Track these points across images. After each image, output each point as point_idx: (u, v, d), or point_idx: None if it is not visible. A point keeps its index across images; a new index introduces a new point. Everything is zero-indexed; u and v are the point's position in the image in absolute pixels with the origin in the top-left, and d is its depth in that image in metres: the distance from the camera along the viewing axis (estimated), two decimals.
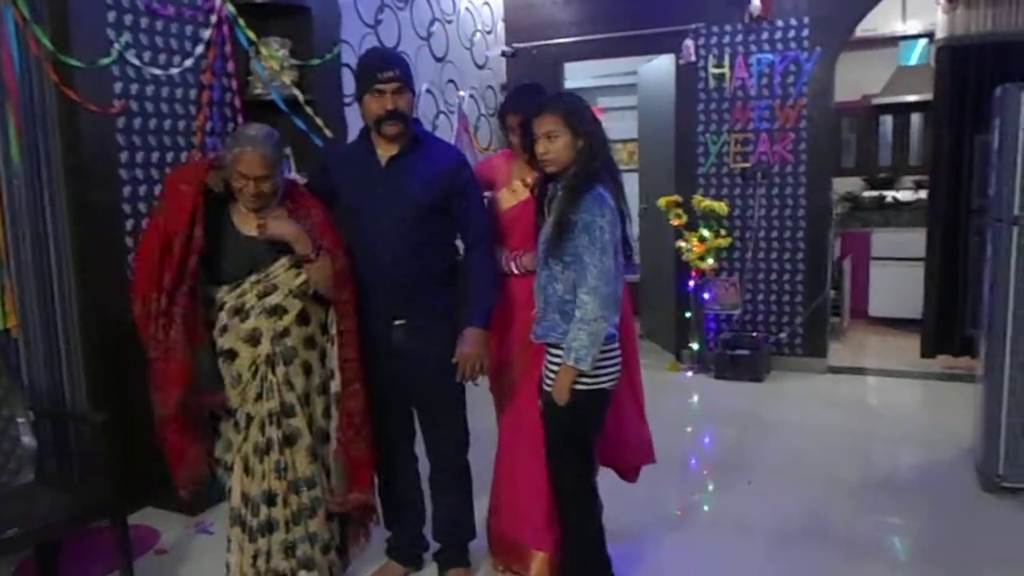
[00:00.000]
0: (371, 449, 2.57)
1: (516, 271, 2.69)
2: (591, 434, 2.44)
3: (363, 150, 2.59)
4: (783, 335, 5.57)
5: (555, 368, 2.32)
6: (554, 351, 2.35)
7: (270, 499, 2.45)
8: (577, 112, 2.31)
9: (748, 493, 3.56)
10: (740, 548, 3.05)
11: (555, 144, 2.30)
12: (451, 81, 5.42)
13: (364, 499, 2.60)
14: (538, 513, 2.60)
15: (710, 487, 3.78)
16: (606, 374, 2.35)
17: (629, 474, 2.93)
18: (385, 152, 2.54)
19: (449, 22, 5.40)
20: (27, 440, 2.71)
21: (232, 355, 2.44)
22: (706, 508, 3.55)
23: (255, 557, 2.46)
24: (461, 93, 5.51)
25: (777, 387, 5.26)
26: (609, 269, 2.24)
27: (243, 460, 2.46)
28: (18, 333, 3.00)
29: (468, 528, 2.82)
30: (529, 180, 2.59)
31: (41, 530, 2.47)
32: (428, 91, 5.12)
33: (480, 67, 5.85)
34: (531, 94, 2.66)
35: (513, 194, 2.72)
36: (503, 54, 5.98)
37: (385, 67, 2.47)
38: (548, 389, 2.36)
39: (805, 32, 5.23)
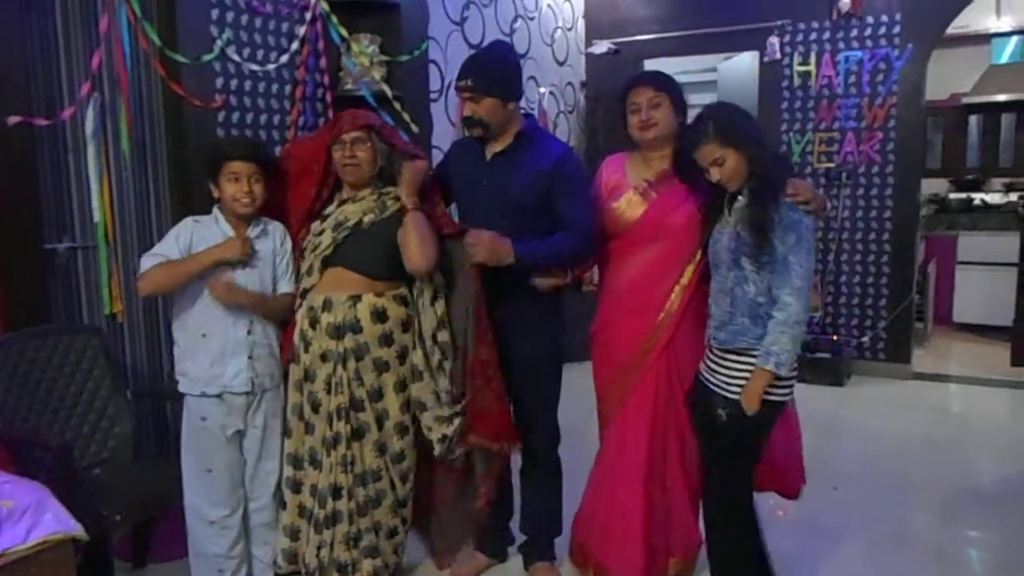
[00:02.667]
0: (499, 402, 2.53)
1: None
2: (763, 447, 2.32)
3: (475, 145, 2.62)
4: (865, 339, 5.44)
5: (742, 375, 2.21)
6: (738, 357, 2.23)
7: (336, 492, 2.48)
8: (737, 126, 2.21)
9: (834, 499, 3.49)
10: (827, 554, 3.00)
11: (725, 169, 2.19)
12: (532, 78, 5.44)
13: (479, 441, 2.54)
14: (633, 545, 2.50)
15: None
16: (789, 385, 2.24)
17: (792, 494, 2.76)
18: (492, 147, 2.57)
19: (531, 19, 5.43)
20: (126, 420, 2.81)
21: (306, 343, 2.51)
22: (791, 513, 3.49)
23: (319, 548, 2.50)
24: (541, 90, 5.53)
25: (858, 392, 5.15)
26: (811, 271, 2.17)
27: (309, 451, 2.52)
28: (123, 317, 3.13)
29: (555, 523, 2.82)
30: (652, 177, 2.50)
31: (140, 508, 2.59)
32: None
33: (560, 64, 5.86)
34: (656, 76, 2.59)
35: (642, 198, 2.51)
36: (608, 51, 5.96)
37: (461, 75, 2.52)
38: (732, 396, 2.22)
39: (897, 28, 5.10)
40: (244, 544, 2.58)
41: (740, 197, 2.24)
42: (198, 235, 2.41)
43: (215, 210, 2.46)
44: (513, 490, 2.86)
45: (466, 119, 2.53)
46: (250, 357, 2.43)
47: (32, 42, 2.79)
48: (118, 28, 2.93)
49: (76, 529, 1.85)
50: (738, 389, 2.22)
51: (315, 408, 2.49)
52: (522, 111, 2.62)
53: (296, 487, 2.55)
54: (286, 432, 2.56)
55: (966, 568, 2.99)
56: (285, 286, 2.53)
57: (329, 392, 2.46)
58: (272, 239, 2.50)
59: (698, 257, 2.44)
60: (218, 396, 2.43)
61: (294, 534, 2.57)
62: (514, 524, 2.91)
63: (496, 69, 2.53)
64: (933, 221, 6.91)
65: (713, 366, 2.30)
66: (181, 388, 2.47)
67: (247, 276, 2.44)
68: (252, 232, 2.45)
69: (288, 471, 2.55)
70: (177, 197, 3.25)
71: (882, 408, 4.82)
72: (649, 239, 2.48)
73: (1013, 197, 6.85)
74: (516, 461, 2.79)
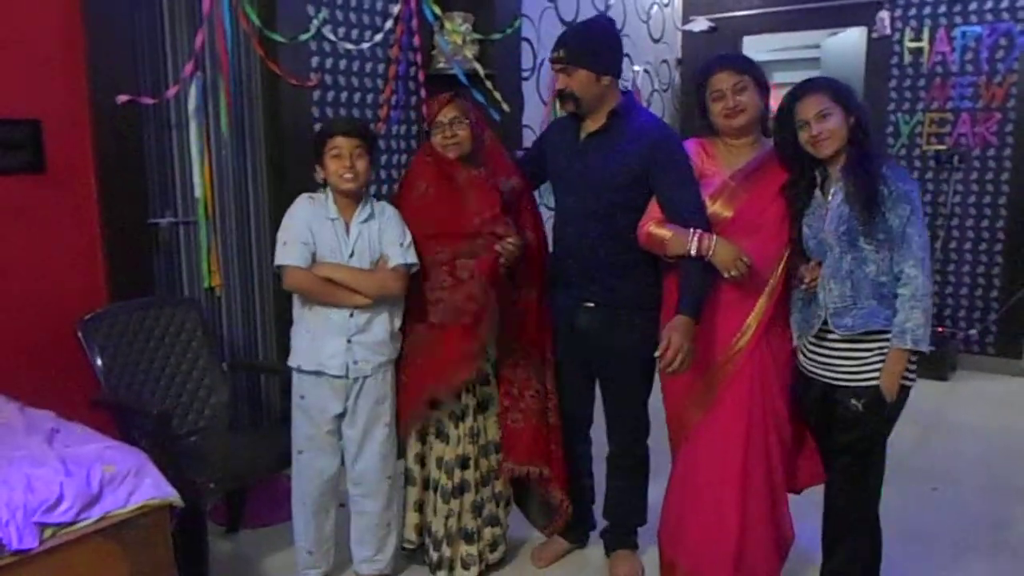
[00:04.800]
0: (531, 421, 2.56)
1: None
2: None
3: (571, 126, 2.56)
4: (973, 332, 5.16)
5: (875, 360, 2.14)
6: (868, 343, 2.15)
7: (463, 463, 2.55)
8: (843, 88, 2.17)
9: (933, 500, 3.34)
10: (917, 559, 2.87)
11: (828, 123, 2.12)
12: (626, 55, 5.32)
13: (513, 469, 2.60)
14: (725, 560, 2.35)
15: (891, 490, 3.57)
16: (915, 368, 2.16)
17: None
18: (586, 128, 2.51)
19: None
20: (222, 390, 2.90)
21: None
22: (888, 512, 3.35)
23: (447, 517, 2.56)
24: (636, 67, 5.41)
25: (964, 387, 4.89)
26: (927, 240, 2.13)
27: (436, 425, 2.56)
28: (221, 291, 3.24)
29: (639, 512, 2.78)
30: (740, 166, 2.34)
31: (233, 476, 2.66)
32: None
33: (656, 41, 5.72)
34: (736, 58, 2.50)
35: (729, 201, 2.33)
36: (707, 28, 5.80)
37: (554, 48, 2.46)
38: (868, 384, 2.14)
39: (1021, 2, 4.75)
40: (332, 531, 2.60)
41: (834, 172, 2.17)
42: (316, 222, 2.39)
43: (327, 190, 2.47)
44: (595, 477, 2.84)
45: (559, 92, 2.47)
46: (349, 341, 2.41)
47: (139, 24, 2.89)
48: (220, 9, 3.00)
49: (173, 495, 1.93)
50: (872, 376, 2.14)
51: None
52: (621, 89, 2.54)
53: (422, 461, 2.61)
54: None
55: None
56: (395, 258, 2.42)
57: None
58: (378, 222, 2.46)
59: (786, 254, 2.32)
60: (318, 374, 2.44)
61: (421, 507, 2.63)
62: (597, 508, 2.89)
63: (591, 40, 2.47)
64: None
65: (834, 356, 2.21)
66: (289, 361, 2.50)
67: (358, 263, 2.42)
68: (360, 216, 2.44)
69: (415, 447, 2.60)
70: (273, 174, 3.34)
71: (988, 405, 4.56)
72: (744, 234, 2.30)
73: None
74: (601, 448, 2.77)
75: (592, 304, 2.52)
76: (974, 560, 2.87)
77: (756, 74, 2.34)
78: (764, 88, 2.37)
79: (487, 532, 2.64)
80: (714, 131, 2.42)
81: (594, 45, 2.45)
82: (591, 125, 2.49)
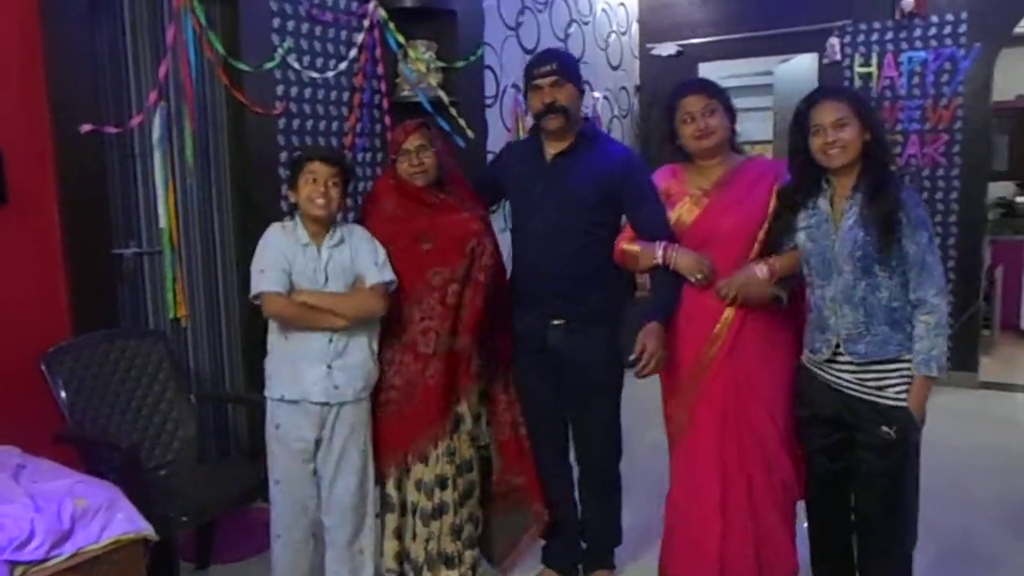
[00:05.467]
0: (508, 433, 2.63)
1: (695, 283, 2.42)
2: None
3: (533, 147, 2.61)
4: None
5: (900, 383, 2.11)
6: (886, 367, 2.12)
7: (442, 483, 2.53)
8: (865, 101, 2.19)
9: None
10: None
11: (844, 133, 2.09)
12: (586, 82, 5.41)
13: (508, 481, 2.65)
14: (708, 570, 2.41)
15: None
16: None
17: None
18: (552, 149, 2.55)
19: (586, 23, 5.41)
20: (190, 423, 2.85)
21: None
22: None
23: (427, 540, 2.54)
24: (596, 94, 5.50)
25: None
26: (942, 267, 2.13)
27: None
28: (188, 322, 3.19)
29: (614, 533, 2.79)
30: (707, 186, 2.41)
31: (204, 509, 2.59)
32: None
33: (614, 68, 5.82)
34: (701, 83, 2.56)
35: (695, 204, 2.42)
36: (675, 52, 5.95)
37: (541, 62, 2.50)
38: (895, 408, 2.11)
39: (963, 28, 4.96)
40: (310, 563, 2.55)
41: (842, 189, 2.16)
42: (290, 249, 2.37)
43: (297, 216, 2.45)
44: (578, 506, 2.80)
45: (547, 107, 2.46)
46: (329, 367, 2.38)
47: (102, 53, 2.86)
48: (184, 38, 2.99)
49: (147, 529, 1.89)
50: (893, 399, 2.12)
51: None
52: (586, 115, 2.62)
53: (399, 486, 2.57)
54: None
55: None
56: (372, 278, 2.41)
57: None
58: (348, 245, 2.45)
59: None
60: (296, 403, 2.40)
61: (400, 535, 2.59)
62: None
63: (574, 61, 2.60)
64: (1000, 225, 6.70)
65: (855, 384, 2.17)
66: (267, 391, 2.45)
67: (333, 288, 2.40)
68: (330, 241, 2.42)
69: (394, 472, 2.56)
70: (239, 203, 3.31)
71: (947, 419, 4.63)
72: (701, 243, 2.39)
73: None
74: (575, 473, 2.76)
75: (562, 321, 2.54)
76: (945, 571, 2.91)
77: (724, 98, 2.42)
78: (731, 112, 2.44)
79: (467, 555, 2.61)
80: (683, 155, 2.47)
81: (576, 66, 2.58)
82: (558, 146, 2.53)
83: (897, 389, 2.11)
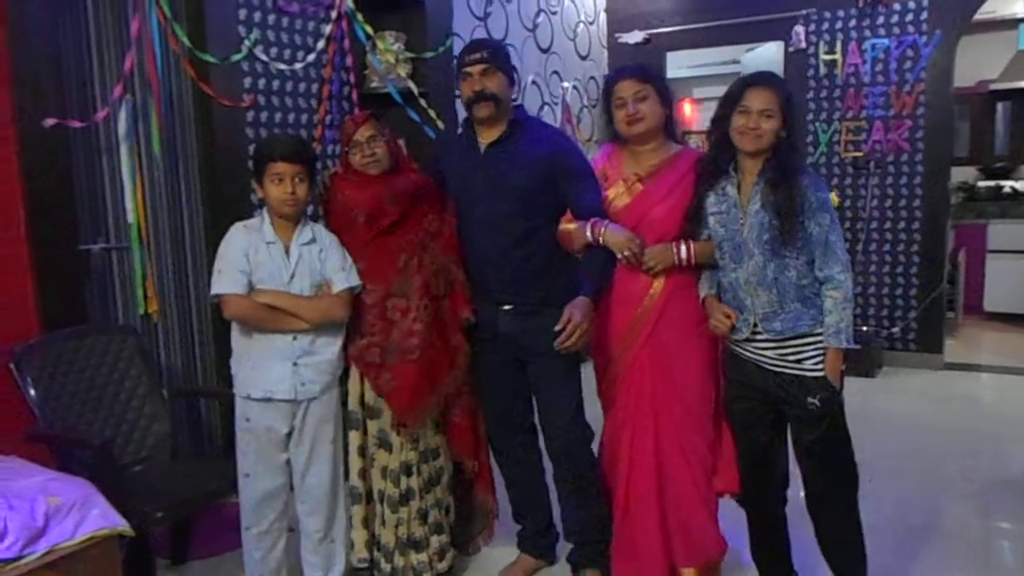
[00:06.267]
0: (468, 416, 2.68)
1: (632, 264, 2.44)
2: None
3: (466, 138, 2.62)
4: (896, 330, 5.38)
5: (816, 355, 2.22)
6: (801, 341, 2.23)
7: (408, 470, 2.56)
8: (792, 99, 2.24)
9: (869, 491, 3.43)
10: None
11: (767, 124, 2.18)
12: (555, 72, 5.43)
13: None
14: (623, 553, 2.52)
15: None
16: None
17: None
18: (484, 139, 2.56)
19: (554, 13, 5.41)
20: (163, 419, 2.83)
21: None
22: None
23: (397, 526, 2.57)
24: (565, 84, 5.52)
25: (889, 383, 5.10)
26: (844, 244, 2.25)
27: (378, 435, 2.56)
28: (157, 317, 3.16)
29: (601, 528, 2.63)
30: (642, 172, 2.46)
31: (180, 505, 2.58)
32: (534, 82, 5.15)
33: (583, 58, 5.84)
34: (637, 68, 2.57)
35: (628, 190, 2.47)
36: (643, 40, 5.97)
37: (471, 50, 2.52)
38: (816, 379, 2.22)
39: (924, 15, 5.04)
40: (283, 554, 2.55)
41: (749, 174, 2.25)
42: (252, 248, 2.36)
43: (263, 212, 2.45)
44: (548, 490, 2.81)
45: (477, 94, 2.47)
46: (295, 364, 2.38)
47: (65, 46, 2.82)
48: (149, 30, 2.96)
49: (122, 524, 1.88)
50: (811, 371, 2.23)
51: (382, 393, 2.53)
52: (516, 102, 2.64)
53: (364, 476, 2.59)
54: (351, 425, 2.57)
55: (1000, 559, 2.96)
56: (339, 284, 2.44)
57: None
58: (319, 244, 2.45)
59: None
60: (262, 400, 2.40)
61: (368, 523, 2.62)
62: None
63: (504, 50, 2.60)
64: (962, 209, 6.84)
65: (775, 360, 2.27)
66: (235, 390, 2.44)
67: (299, 286, 2.40)
68: (300, 238, 2.42)
69: (357, 463, 2.58)
70: (208, 196, 3.28)
71: (914, 399, 4.77)
72: (632, 227, 2.41)
73: None
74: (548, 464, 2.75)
75: (510, 306, 2.55)
76: (914, 545, 2.98)
77: (659, 85, 2.45)
78: (666, 98, 2.46)
79: (434, 540, 2.63)
80: (621, 138, 2.51)
81: (507, 55, 2.58)
82: (491, 135, 2.54)
83: (814, 360, 2.23)
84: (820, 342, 2.22)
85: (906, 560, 2.88)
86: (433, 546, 2.64)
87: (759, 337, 2.29)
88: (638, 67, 2.51)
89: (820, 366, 2.22)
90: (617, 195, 2.48)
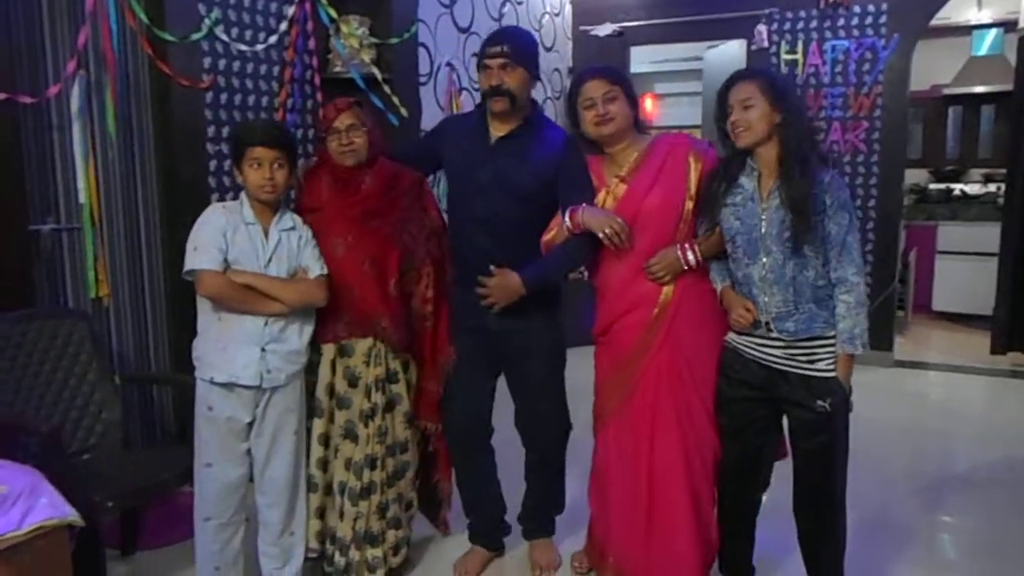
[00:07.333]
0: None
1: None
2: None
3: (477, 125, 2.56)
4: None
5: (829, 357, 2.18)
6: (813, 343, 2.19)
7: (372, 463, 2.52)
8: (777, 83, 2.21)
9: None
10: None
11: (747, 114, 2.16)
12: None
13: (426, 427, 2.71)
14: (636, 542, 2.44)
15: (785, 483, 3.75)
16: None
17: None
18: (496, 131, 2.51)
19: (519, 3, 5.39)
20: (114, 406, 2.76)
21: None
22: (769, 500, 3.52)
23: (355, 520, 2.52)
24: None
25: None
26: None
27: (344, 426, 2.52)
28: (109, 301, 3.07)
29: (557, 503, 2.82)
30: (622, 172, 2.41)
31: (131, 495, 2.52)
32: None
33: (548, 49, 5.82)
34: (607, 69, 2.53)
35: (611, 194, 2.41)
36: (613, 33, 5.95)
37: (493, 42, 2.46)
38: (824, 378, 2.18)
39: (883, 19, 5.13)
40: (240, 545, 2.49)
41: (765, 170, 2.21)
42: (230, 228, 2.30)
43: (242, 195, 2.38)
44: (500, 486, 2.82)
45: (493, 88, 2.42)
46: (263, 350, 2.32)
47: (16, 18, 2.71)
48: (104, 5, 2.86)
49: (71, 514, 1.82)
50: (823, 372, 2.19)
51: (353, 382, 2.50)
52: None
53: (324, 466, 2.55)
54: (316, 413, 2.52)
55: (945, 553, 3.04)
56: (316, 270, 2.41)
57: (368, 364, 2.49)
58: (299, 232, 2.41)
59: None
60: (226, 386, 2.34)
61: (323, 513, 2.58)
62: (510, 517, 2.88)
63: (531, 43, 2.53)
64: (913, 211, 6.99)
65: (784, 360, 2.23)
66: (198, 373, 2.37)
67: (275, 270, 2.34)
68: (281, 223, 2.37)
69: (318, 452, 2.53)
70: (164, 177, 3.20)
71: (863, 395, 4.73)
72: (629, 226, 2.36)
73: (992, 188, 6.95)
74: (508, 455, 2.77)
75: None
76: (862, 538, 3.02)
77: (626, 86, 2.41)
78: (633, 98, 2.43)
79: (390, 535, 2.61)
80: (595, 146, 2.45)
81: (533, 49, 2.51)
82: (503, 128, 2.50)
83: (827, 362, 2.19)
84: (831, 345, 2.18)
85: (854, 552, 2.93)
86: (389, 541, 2.61)
87: (770, 336, 2.24)
88: (606, 68, 2.47)
89: (832, 367, 2.19)
90: (603, 202, 2.42)
